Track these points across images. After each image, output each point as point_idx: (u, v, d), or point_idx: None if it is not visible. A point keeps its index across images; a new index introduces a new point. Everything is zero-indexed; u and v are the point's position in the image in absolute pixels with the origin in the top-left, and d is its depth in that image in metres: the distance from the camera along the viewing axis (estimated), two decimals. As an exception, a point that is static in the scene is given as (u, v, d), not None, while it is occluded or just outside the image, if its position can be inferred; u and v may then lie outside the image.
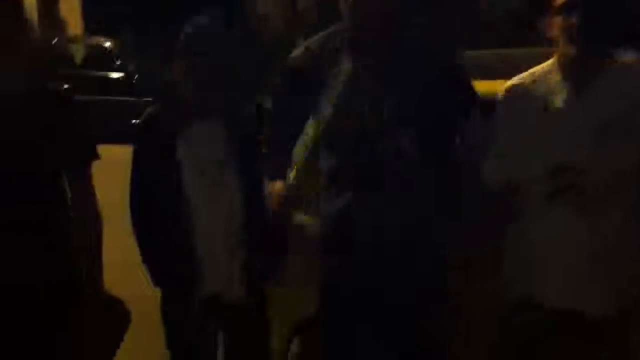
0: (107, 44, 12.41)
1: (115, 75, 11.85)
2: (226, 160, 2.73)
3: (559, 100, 2.53)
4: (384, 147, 2.63)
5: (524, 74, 2.65)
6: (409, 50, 2.71)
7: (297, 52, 2.81)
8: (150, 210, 2.75)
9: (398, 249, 2.65)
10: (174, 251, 2.71)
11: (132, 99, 11.31)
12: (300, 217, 2.84)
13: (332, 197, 2.70)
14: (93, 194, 2.56)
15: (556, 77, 2.56)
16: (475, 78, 2.88)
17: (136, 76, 11.73)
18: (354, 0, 2.62)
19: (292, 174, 2.74)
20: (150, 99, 11.21)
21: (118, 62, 11.87)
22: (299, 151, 2.73)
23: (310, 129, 2.69)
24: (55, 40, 13.15)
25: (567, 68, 2.54)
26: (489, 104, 2.70)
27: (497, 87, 2.77)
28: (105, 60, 12.15)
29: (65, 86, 2.61)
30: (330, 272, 2.74)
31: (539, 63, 2.65)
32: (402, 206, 2.65)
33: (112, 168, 3.91)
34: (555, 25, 2.50)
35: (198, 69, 2.68)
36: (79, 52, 13.60)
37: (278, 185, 2.76)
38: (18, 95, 2.45)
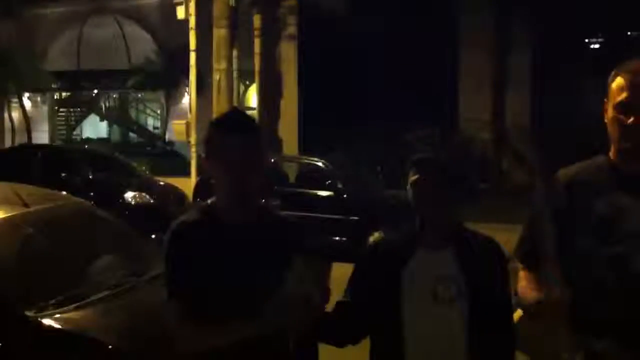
0: (319, 164, 12.90)
1: (324, 193, 12.27)
2: (455, 295, 2.57)
3: None
4: None
5: None
6: None
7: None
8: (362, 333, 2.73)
9: None
10: None
11: (339, 217, 11.74)
12: None
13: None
14: None
15: None
16: None
17: (345, 195, 12.10)
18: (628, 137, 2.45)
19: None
20: (357, 218, 11.59)
21: (328, 182, 12.29)
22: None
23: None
24: (274, 158, 13.90)
25: None
26: None
27: None
28: (316, 178, 12.61)
29: (277, 202, 2.75)
30: None
31: None
32: None
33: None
34: None
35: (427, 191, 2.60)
36: (292, 170, 14.29)
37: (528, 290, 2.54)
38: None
